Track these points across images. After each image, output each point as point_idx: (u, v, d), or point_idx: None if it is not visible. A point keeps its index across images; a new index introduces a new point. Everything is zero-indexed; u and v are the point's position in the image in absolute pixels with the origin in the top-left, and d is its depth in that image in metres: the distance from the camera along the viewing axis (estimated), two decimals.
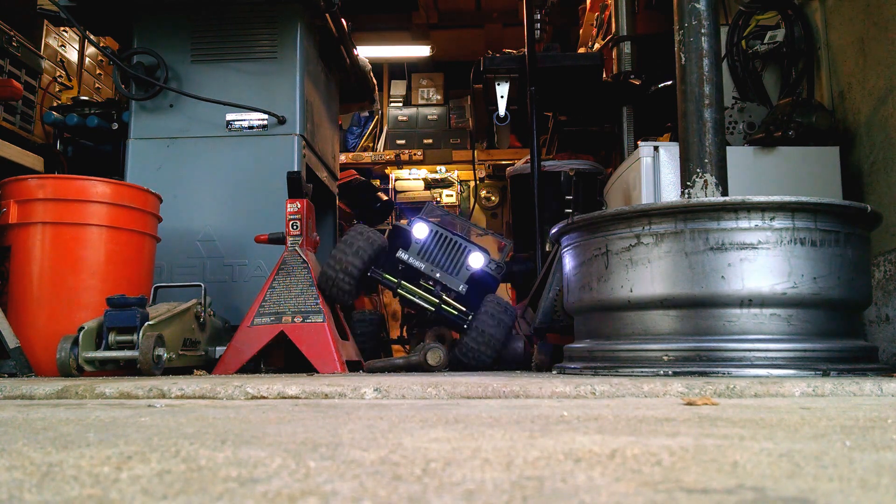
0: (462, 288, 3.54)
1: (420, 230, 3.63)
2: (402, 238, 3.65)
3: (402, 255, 3.53)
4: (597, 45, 5.00)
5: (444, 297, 3.57)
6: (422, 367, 3.27)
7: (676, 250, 2.72)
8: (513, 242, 4.32)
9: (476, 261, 3.61)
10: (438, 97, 8.43)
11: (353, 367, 3.55)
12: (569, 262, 3.06)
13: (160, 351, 2.89)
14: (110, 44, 5.10)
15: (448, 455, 0.87)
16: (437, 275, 3.53)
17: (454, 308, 3.59)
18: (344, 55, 5.08)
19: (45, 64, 5.18)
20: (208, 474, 0.76)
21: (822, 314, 2.71)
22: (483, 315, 3.46)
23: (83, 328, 2.82)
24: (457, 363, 3.49)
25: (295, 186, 3.57)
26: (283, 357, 3.65)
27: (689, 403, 1.61)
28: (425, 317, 3.83)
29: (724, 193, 2.92)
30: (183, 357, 3.14)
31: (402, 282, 3.56)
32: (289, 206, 3.56)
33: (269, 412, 1.48)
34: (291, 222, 3.54)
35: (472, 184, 8.02)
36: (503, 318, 3.51)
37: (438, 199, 8.02)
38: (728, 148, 3.12)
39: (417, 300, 3.57)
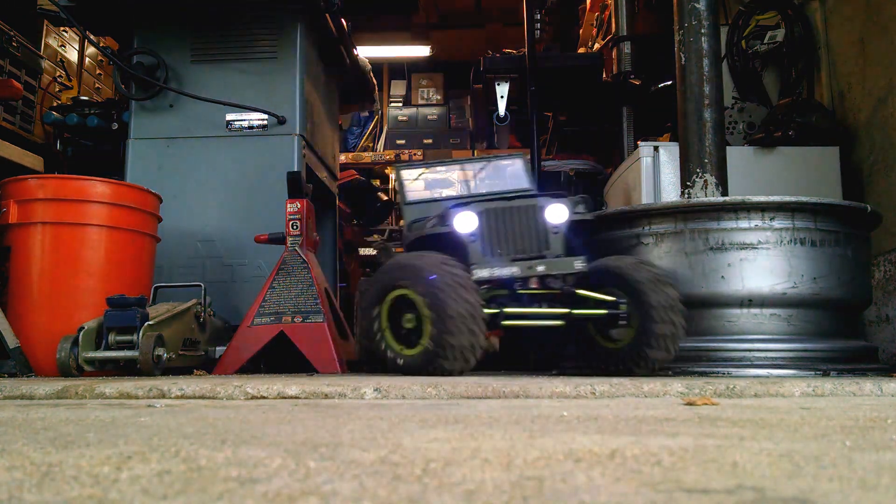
0: (579, 265, 2.47)
1: (465, 222, 2.50)
2: (442, 249, 2.50)
3: (480, 272, 2.39)
4: (597, 45, 5.00)
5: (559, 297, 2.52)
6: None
7: (676, 250, 2.72)
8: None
9: (558, 213, 2.54)
10: (438, 97, 8.43)
11: (353, 366, 3.55)
12: None
13: (160, 351, 2.89)
14: (110, 44, 5.10)
15: (448, 455, 0.87)
16: (540, 269, 2.44)
17: (592, 307, 2.54)
18: (344, 55, 5.08)
19: (45, 64, 5.18)
20: (208, 474, 0.76)
21: (822, 314, 2.71)
22: (656, 308, 2.44)
23: (83, 328, 2.82)
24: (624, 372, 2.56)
25: (295, 186, 3.57)
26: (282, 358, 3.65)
27: (689, 403, 1.61)
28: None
29: (724, 193, 2.92)
30: (183, 357, 3.14)
31: (503, 309, 2.44)
32: (289, 206, 3.56)
33: (268, 412, 1.48)
34: (291, 222, 3.54)
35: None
36: (678, 301, 2.48)
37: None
38: (728, 148, 3.12)
39: (541, 322, 2.50)
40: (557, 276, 2.48)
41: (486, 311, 2.34)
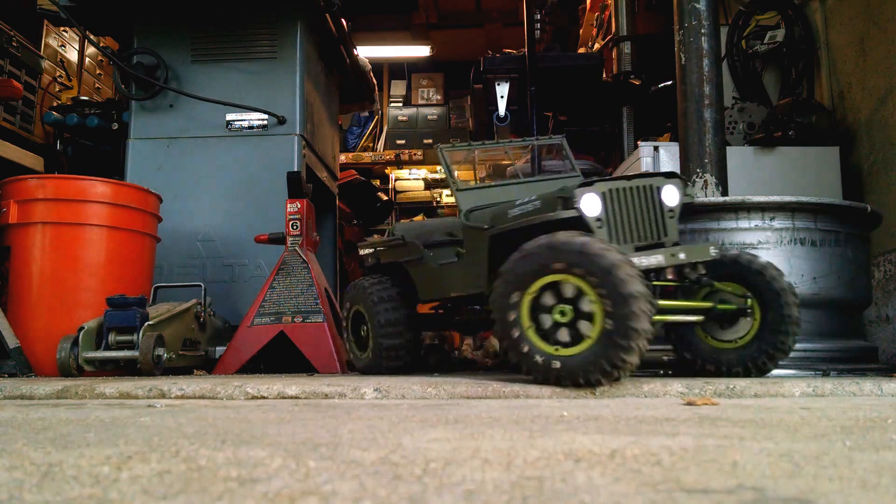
0: (714, 252, 2.21)
1: (591, 205, 2.14)
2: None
3: (636, 260, 2.07)
4: (597, 45, 5.00)
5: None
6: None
7: None
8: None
9: (672, 194, 2.25)
10: (438, 97, 8.44)
11: (352, 367, 3.54)
12: None
13: (160, 351, 2.89)
14: (110, 44, 5.10)
15: (448, 455, 0.87)
16: (682, 256, 2.16)
17: (729, 298, 2.32)
18: (344, 55, 5.08)
19: (45, 64, 5.18)
20: (208, 474, 0.76)
21: (822, 314, 2.71)
22: (786, 290, 2.24)
23: (83, 328, 2.82)
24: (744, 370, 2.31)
25: (295, 186, 3.57)
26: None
27: (689, 403, 1.61)
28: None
29: (724, 193, 2.92)
30: (183, 357, 3.14)
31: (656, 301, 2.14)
32: (289, 206, 3.56)
33: (269, 412, 1.48)
34: (291, 222, 3.54)
35: (472, 184, 8.00)
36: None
37: (438, 199, 8.02)
38: (728, 148, 3.12)
39: (682, 317, 2.29)
40: (693, 264, 2.21)
41: None
